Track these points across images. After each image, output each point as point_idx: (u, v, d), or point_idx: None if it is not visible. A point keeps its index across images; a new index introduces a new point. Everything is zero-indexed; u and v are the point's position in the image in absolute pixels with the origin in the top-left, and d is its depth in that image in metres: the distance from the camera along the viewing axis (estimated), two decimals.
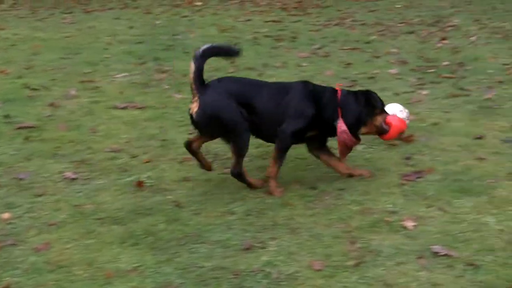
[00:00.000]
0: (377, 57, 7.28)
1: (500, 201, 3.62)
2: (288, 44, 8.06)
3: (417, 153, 4.37)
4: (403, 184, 3.89)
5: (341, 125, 3.80)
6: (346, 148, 3.87)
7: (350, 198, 3.73)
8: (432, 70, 6.56)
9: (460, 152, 4.35)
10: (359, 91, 4.07)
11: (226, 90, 3.78)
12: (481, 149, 4.41)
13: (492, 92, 5.70)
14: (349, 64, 6.93)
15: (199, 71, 3.73)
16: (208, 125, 3.76)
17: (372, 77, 6.36)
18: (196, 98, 3.73)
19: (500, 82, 6.08)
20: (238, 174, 3.80)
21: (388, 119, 3.95)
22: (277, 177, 3.82)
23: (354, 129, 3.85)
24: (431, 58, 7.13)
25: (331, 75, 6.44)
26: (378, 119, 3.92)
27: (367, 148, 4.47)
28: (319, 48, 7.77)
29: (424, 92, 5.79)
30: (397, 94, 5.74)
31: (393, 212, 3.54)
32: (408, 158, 4.26)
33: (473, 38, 8.17)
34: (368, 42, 8.12)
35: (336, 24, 9.46)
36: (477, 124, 4.92)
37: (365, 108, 3.89)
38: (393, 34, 8.66)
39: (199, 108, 3.70)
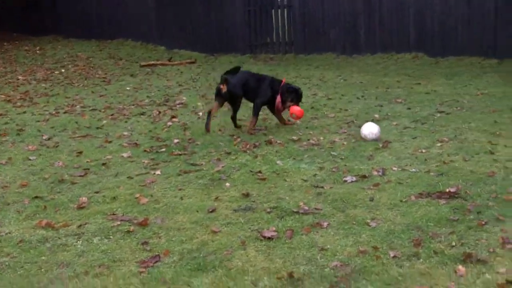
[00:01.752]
0: (109, 141, 7.18)
1: (236, 273, 3.67)
2: (13, 138, 7.55)
3: (153, 236, 4.28)
4: (141, 272, 3.74)
5: (277, 98, 7.44)
6: (279, 110, 7.56)
7: None
8: (164, 149, 6.65)
9: (195, 229, 4.38)
10: (290, 86, 7.61)
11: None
12: (214, 222, 4.48)
13: (222, 164, 5.93)
14: (80, 152, 6.71)
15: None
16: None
17: (104, 163, 6.21)
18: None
19: (228, 153, 6.37)
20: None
21: (292, 107, 7.42)
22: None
23: (282, 101, 7.44)
24: (162, 137, 7.24)
25: (62, 166, 6.15)
26: (288, 103, 7.46)
27: (102, 239, 4.27)
28: (48, 139, 7.42)
29: (157, 172, 5.80)
30: (131, 178, 5.66)
31: None
32: (144, 243, 4.14)
33: (200, 113, 8.53)
34: (99, 128, 8.00)
35: (65, 112, 9.19)
36: (209, 198, 5.03)
37: (288, 94, 7.42)
38: (125, 117, 8.66)
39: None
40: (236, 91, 7.35)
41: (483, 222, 4.26)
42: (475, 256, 3.73)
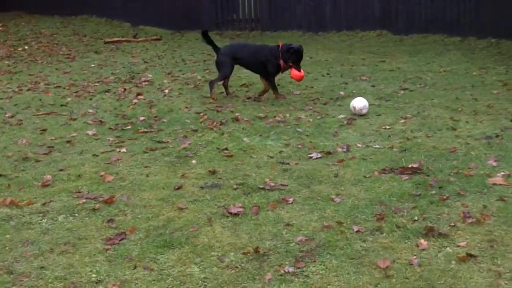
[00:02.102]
0: (74, 119, 7.10)
1: (202, 249, 3.70)
2: None
3: (119, 214, 4.28)
4: (107, 249, 3.75)
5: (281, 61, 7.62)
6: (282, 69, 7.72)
7: (52, 275, 3.46)
8: (129, 127, 6.60)
9: (161, 206, 4.39)
10: (292, 45, 7.62)
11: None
12: (180, 199, 4.50)
13: (188, 141, 5.93)
14: (44, 130, 6.62)
15: None
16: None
17: (69, 141, 6.15)
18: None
19: (195, 130, 6.36)
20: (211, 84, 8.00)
21: (293, 70, 7.55)
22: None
23: (284, 60, 7.58)
24: (128, 115, 7.19)
25: (26, 144, 6.08)
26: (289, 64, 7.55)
27: (67, 217, 4.25)
28: (11, 117, 7.30)
29: (123, 149, 5.77)
30: (96, 155, 5.63)
31: (98, 282, 3.38)
32: (110, 221, 4.14)
33: (166, 91, 8.48)
34: (64, 105, 7.90)
35: (28, 89, 9.05)
36: (175, 175, 5.04)
37: (290, 54, 7.48)
38: (89, 94, 8.57)
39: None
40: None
41: (444, 197, 4.36)
42: (437, 230, 3.83)
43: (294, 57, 7.49)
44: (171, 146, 5.86)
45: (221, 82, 8.05)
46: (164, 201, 4.47)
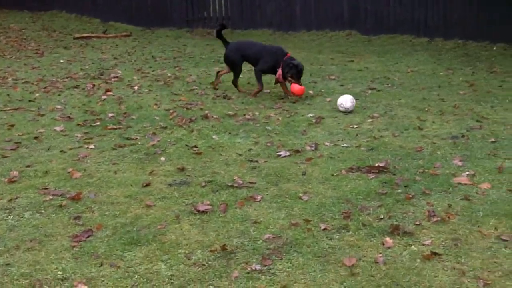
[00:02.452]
0: (42, 115, 7.01)
1: (169, 246, 3.71)
2: None
3: (86, 211, 4.25)
4: (73, 246, 3.72)
5: (279, 71, 7.70)
6: (277, 81, 7.87)
7: (18, 272, 3.42)
8: (98, 123, 6.56)
9: (129, 203, 4.37)
10: (294, 61, 7.67)
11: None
12: (148, 196, 4.49)
13: (157, 139, 5.91)
14: (12, 125, 6.53)
15: None
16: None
17: (37, 137, 6.08)
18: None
19: (164, 127, 6.35)
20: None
21: (293, 85, 7.64)
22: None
23: (283, 75, 7.67)
24: (96, 111, 7.13)
25: None
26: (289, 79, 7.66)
27: (34, 214, 4.20)
28: None
29: (91, 146, 5.73)
30: (64, 152, 5.58)
31: (64, 279, 3.35)
32: (77, 218, 4.11)
33: (136, 88, 8.44)
34: (32, 100, 7.79)
35: None
36: (144, 172, 5.02)
37: (289, 69, 7.59)
38: (58, 90, 8.47)
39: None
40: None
41: (410, 196, 4.43)
42: (402, 228, 3.89)
43: (293, 71, 7.60)
44: (139, 143, 5.84)
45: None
46: (132, 198, 4.45)
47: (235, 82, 8.29)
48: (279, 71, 7.72)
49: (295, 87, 7.59)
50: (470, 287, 3.22)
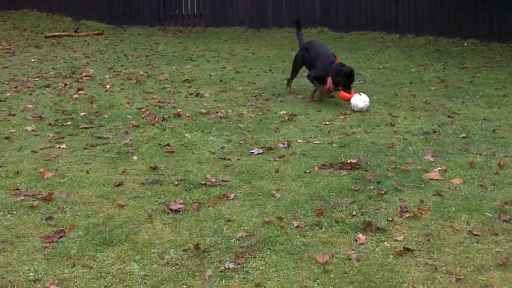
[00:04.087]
0: (13, 115, 6.90)
1: (142, 246, 3.68)
2: None
3: (58, 211, 4.20)
4: (45, 247, 3.67)
5: (329, 80, 7.22)
6: (328, 91, 7.34)
7: None
8: (70, 123, 6.48)
9: (101, 203, 4.33)
10: (344, 68, 7.20)
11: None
12: (121, 195, 4.45)
13: (129, 137, 5.87)
14: None
15: None
16: None
17: (7, 137, 5.98)
18: None
19: (136, 126, 6.30)
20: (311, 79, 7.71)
21: (341, 91, 7.17)
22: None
23: (334, 83, 7.16)
24: (68, 110, 7.05)
25: None
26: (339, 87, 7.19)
27: (5, 215, 4.14)
28: None
29: (63, 146, 5.66)
30: (35, 152, 5.50)
31: (36, 280, 3.31)
32: (49, 219, 4.06)
33: (108, 86, 8.36)
34: (2, 100, 7.66)
35: None
36: (116, 171, 4.98)
37: (340, 78, 7.12)
38: (29, 89, 8.35)
39: None
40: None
41: (382, 192, 4.46)
42: (375, 224, 3.91)
43: (344, 80, 7.18)
44: (112, 142, 5.78)
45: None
46: (104, 198, 4.41)
47: (288, 80, 8.14)
48: (329, 80, 7.22)
49: (343, 94, 7.17)
50: (443, 282, 3.26)
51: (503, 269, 3.36)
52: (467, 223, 3.93)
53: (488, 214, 4.05)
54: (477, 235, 3.76)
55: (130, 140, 5.80)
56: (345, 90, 7.14)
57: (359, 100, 6.98)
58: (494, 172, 4.85)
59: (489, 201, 4.26)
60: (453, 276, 3.29)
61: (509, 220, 3.96)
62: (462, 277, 3.29)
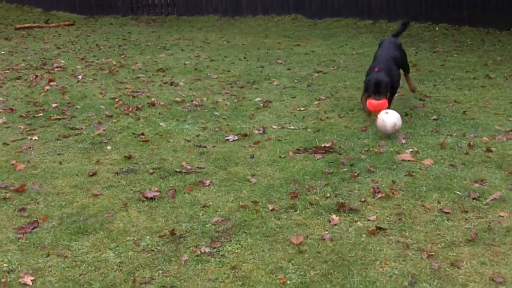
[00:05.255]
0: None
1: (117, 234, 3.68)
2: None
3: (31, 202, 4.17)
4: (19, 238, 3.65)
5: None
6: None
7: None
8: (41, 114, 6.42)
9: (75, 193, 4.31)
10: (368, 76, 5.93)
11: None
12: (95, 185, 4.43)
13: (102, 128, 5.84)
14: None
15: None
16: None
17: None
18: None
19: (109, 116, 6.26)
20: None
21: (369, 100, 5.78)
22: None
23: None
24: (39, 102, 6.97)
25: None
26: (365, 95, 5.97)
27: None
28: None
29: (35, 137, 5.61)
30: (6, 144, 5.45)
31: (10, 271, 3.29)
32: (22, 210, 4.03)
33: (80, 77, 8.29)
34: None
35: None
36: (90, 161, 4.95)
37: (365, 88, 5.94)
38: (0, 81, 8.25)
39: None
40: None
41: (355, 174, 4.51)
42: (348, 205, 3.96)
43: (368, 90, 5.88)
44: (85, 132, 5.75)
45: None
46: (78, 188, 4.39)
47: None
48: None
49: (371, 102, 5.74)
50: (414, 259, 3.31)
51: (472, 245, 3.43)
52: (438, 201, 4.00)
53: (458, 192, 4.12)
54: (447, 213, 3.82)
55: (104, 130, 5.77)
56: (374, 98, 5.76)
57: (387, 123, 5.40)
58: (464, 152, 4.92)
59: (459, 180, 4.33)
60: (424, 252, 3.35)
61: (478, 197, 4.03)
62: (433, 253, 3.35)
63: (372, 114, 5.90)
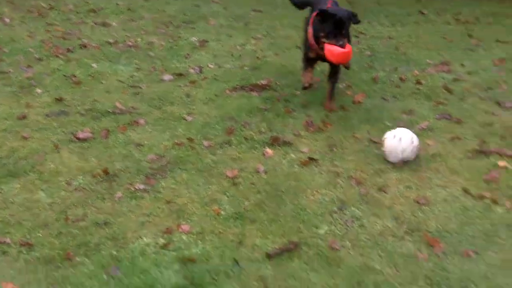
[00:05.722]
0: None
1: (49, 175, 3.62)
2: None
3: None
4: None
5: (309, 29, 4.52)
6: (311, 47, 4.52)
7: None
8: None
9: (4, 137, 4.18)
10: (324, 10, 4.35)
11: None
12: (25, 128, 4.32)
13: (32, 71, 5.65)
14: None
15: None
16: None
17: None
18: None
19: (39, 59, 6.06)
20: None
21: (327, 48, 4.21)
22: None
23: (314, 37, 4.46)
24: None
25: None
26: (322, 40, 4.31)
27: None
28: None
29: None
30: None
31: None
32: None
33: (7, 20, 7.95)
34: None
35: None
36: (19, 105, 4.80)
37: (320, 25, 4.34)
38: None
39: None
40: None
41: (290, 110, 4.55)
42: (282, 139, 4.01)
43: (328, 28, 4.30)
44: (13, 76, 5.54)
45: None
46: (7, 132, 4.27)
47: None
48: (309, 30, 4.55)
49: (330, 49, 4.24)
50: (344, 186, 3.41)
51: (399, 171, 3.55)
52: (368, 132, 4.09)
53: (387, 123, 4.23)
54: (376, 142, 3.92)
55: (33, 73, 5.59)
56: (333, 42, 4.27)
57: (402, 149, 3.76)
58: (396, 85, 5.03)
59: (389, 112, 4.44)
60: (354, 180, 3.45)
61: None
62: (362, 180, 3.45)
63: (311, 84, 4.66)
